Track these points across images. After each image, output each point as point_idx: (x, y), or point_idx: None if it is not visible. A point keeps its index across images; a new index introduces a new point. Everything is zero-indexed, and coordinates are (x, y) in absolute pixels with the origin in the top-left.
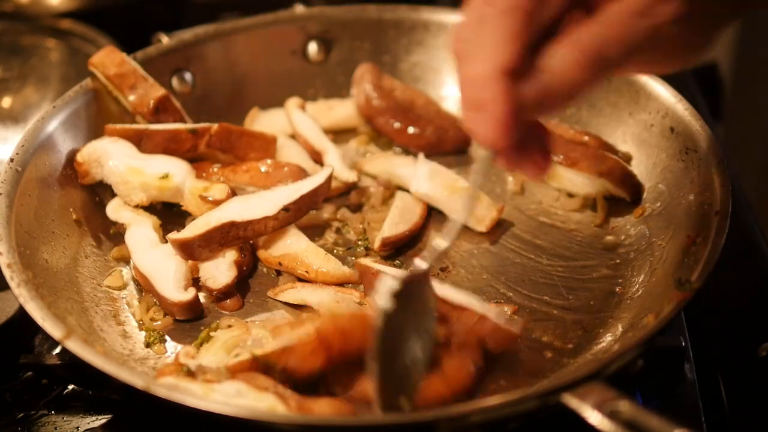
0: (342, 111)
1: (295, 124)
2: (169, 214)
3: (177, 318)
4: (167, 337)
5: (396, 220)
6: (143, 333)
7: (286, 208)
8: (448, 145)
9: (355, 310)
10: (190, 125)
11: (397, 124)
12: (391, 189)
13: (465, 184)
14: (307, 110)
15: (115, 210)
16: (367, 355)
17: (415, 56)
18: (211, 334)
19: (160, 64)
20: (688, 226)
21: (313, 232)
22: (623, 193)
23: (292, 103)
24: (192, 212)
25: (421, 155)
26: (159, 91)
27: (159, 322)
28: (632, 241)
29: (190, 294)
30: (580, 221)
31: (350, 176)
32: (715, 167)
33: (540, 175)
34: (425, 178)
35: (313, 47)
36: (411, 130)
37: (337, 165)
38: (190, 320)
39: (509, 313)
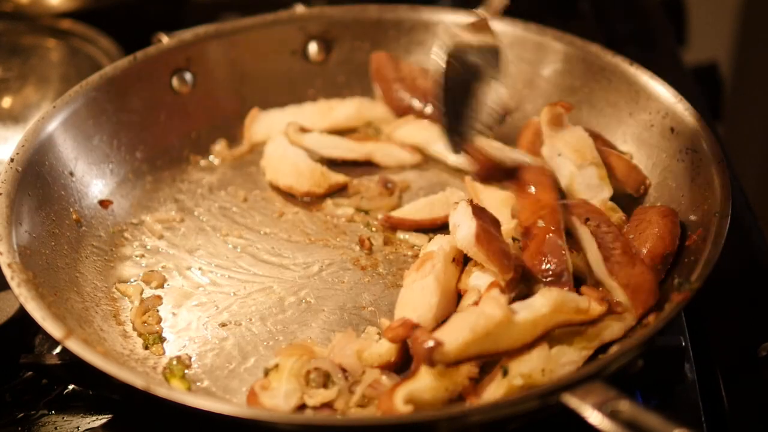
0: (342, 111)
1: (313, 149)
2: None
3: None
4: (165, 337)
5: (419, 207)
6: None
7: None
8: None
9: None
10: None
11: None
12: (392, 190)
13: (499, 144)
14: (306, 110)
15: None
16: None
17: (415, 56)
18: (274, 362)
19: (160, 64)
20: (688, 226)
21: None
22: (629, 189)
23: (292, 129)
24: None
25: None
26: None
27: (150, 326)
28: None
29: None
30: None
31: (413, 159)
32: (715, 167)
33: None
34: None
35: (313, 47)
36: None
37: (396, 152)
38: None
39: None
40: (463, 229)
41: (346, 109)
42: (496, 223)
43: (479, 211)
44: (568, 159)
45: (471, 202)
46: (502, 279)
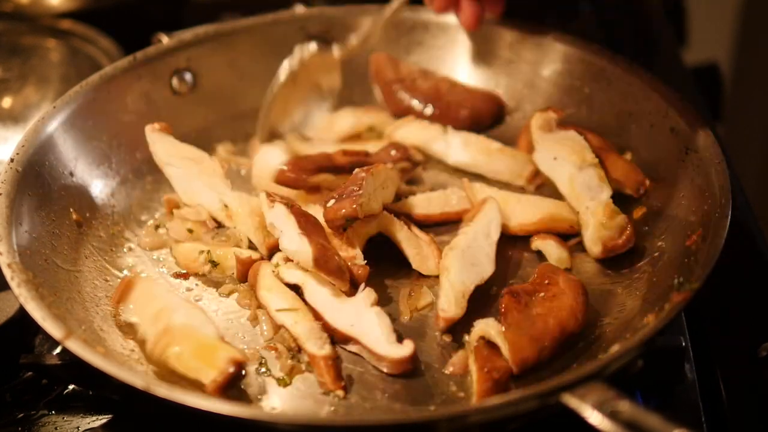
0: (344, 123)
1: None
2: None
3: (391, 373)
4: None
5: (416, 201)
6: None
7: None
8: (485, 122)
9: None
10: None
11: (429, 114)
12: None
13: (499, 145)
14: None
15: (284, 271)
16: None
17: (414, 56)
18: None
19: (160, 64)
20: (688, 226)
21: None
22: (628, 189)
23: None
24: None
25: (449, 128)
26: None
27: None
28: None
29: (407, 348)
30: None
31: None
32: (715, 167)
33: (470, 24)
34: (460, 148)
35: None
36: (445, 118)
37: None
38: None
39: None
40: (296, 247)
41: (347, 120)
42: (317, 226)
43: (307, 225)
44: (567, 161)
45: (289, 205)
46: (342, 288)
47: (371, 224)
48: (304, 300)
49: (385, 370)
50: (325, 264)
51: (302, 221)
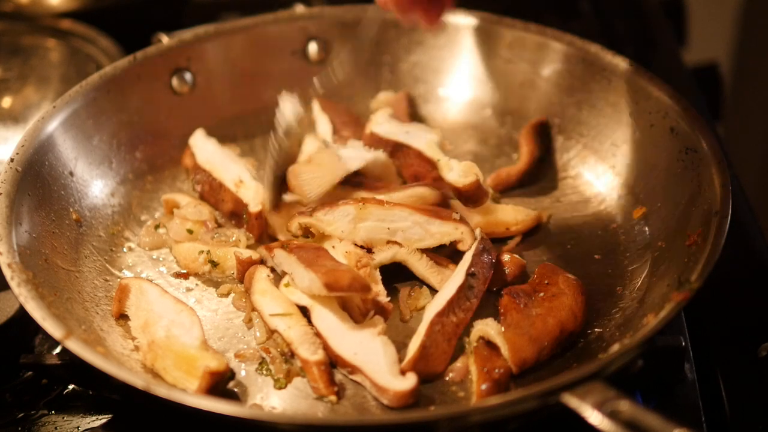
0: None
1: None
2: None
3: (391, 407)
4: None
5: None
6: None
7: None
8: None
9: None
10: None
11: None
12: None
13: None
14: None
15: (291, 293)
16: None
17: (415, 56)
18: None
19: (160, 64)
20: (688, 226)
21: None
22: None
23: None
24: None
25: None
26: None
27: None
28: (632, 241)
29: (410, 381)
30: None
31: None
32: (715, 167)
33: (430, 25)
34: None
35: (313, 47)
36: None
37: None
38: None
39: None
40: (307, 282)
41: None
42: (318, 251)
43: (308, 256)
44: None
45: (284, 246)
46: (368, 296)
47: (381, 256)
48: (311, 322)
49: (385, 402)
50: (338, 284)
51: (302, 255)
